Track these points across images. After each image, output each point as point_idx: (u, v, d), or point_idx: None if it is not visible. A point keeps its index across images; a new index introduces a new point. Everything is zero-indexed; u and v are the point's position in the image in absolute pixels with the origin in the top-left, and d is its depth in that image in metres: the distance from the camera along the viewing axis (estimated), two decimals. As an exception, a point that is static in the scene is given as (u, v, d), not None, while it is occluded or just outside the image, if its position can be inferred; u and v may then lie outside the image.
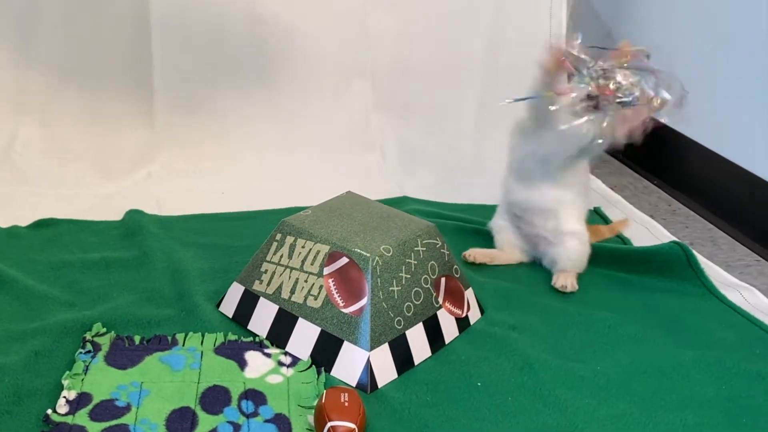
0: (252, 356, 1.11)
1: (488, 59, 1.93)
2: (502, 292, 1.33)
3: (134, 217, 1.50)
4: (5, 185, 1.60)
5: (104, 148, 1.75)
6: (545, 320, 1.26)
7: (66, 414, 0.97)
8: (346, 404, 0.96)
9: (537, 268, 1.41)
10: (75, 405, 0.98)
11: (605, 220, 1.65)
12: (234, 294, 1.22)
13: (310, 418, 0.99)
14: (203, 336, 1.15)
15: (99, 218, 1.51)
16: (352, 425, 0.94)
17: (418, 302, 1.15)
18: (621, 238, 1.55)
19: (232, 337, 1.15)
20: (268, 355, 1.11)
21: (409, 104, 1.91)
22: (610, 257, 1.43)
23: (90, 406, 0.98)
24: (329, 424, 0.94)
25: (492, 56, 1.92)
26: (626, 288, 1.37)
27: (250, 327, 1.18)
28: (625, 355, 1.17)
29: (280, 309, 1.16)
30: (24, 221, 1.46)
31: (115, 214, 1.52)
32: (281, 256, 1.18)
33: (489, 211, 1.58)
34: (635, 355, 1.18)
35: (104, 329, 1.14)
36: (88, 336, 1.12)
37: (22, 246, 1.39)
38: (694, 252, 1.42)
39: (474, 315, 1.25)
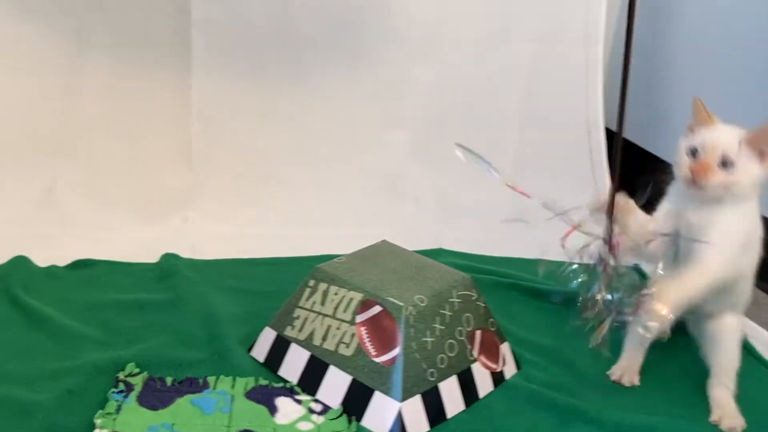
0: (283, 402, 1.10)
1: (525, 112, 1.94)
2: (540, 348, 1.31)
3: (170, 260, 1.52)
4: (45, 226, 1.63)
5: (142, 191, 1.78)
6: (583, 379, 1.23)
7: (97, 454, 0.97)
8: (377, 455, 0.95)
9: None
10: (106, 445, 0.98)
11: (643, 276, 1.61)
12: (266, 339, 1.21)
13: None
14: (234, 380, 1.14)
15: (135, 260, 1.52)
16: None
17: (452, 354, 1.14)
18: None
19: (263, 382, 1.14)
20: (299, 402, 1.10)
21: (446, 155, 1.91)
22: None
23: (121, 447, 0.98)
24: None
25: (529, 109, 1.94)
26: (664, 348, 1.34)
27: (281, 373, 1.17)
28: (664, 421, 1.13)
29: (311, 356, 1.15)
30: (62, 261, 1.48)
31: (151, 257, 1.53)
32: (314, 303, 1.18)
33: (526, 264, 1.57)
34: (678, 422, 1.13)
35: (137, 369, 1.14)
36: (121, 376, 1.12)
37: (59, 286, 1.41)
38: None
39: (510, 370, 1.22)
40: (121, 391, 1.09)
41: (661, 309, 1.00)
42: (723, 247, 1.07)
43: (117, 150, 1.81)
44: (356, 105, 1.87)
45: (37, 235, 1.58)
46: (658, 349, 1.24)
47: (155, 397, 1.08)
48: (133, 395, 1.08)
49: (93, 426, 1.01)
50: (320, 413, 1.09)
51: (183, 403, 1.08)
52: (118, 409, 1.05)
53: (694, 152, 1.06)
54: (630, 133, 2.18)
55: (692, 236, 1.08)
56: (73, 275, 1.45)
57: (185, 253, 1.55)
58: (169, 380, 1.13)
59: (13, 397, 1.07)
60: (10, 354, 1.18)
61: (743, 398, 1.17)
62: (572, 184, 1.96)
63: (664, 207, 1.15)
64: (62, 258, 1.49)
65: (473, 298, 1.20)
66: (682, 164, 1.08)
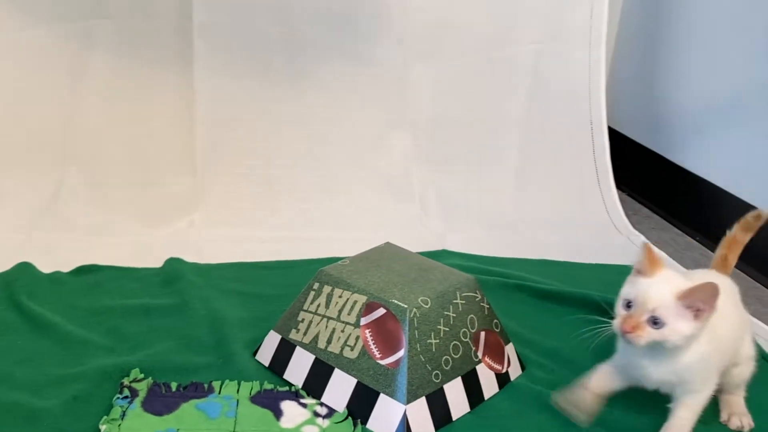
0: (288, 406, 1.10)
1: (528, 112, 1.95)
2: (545, 349, 1.30)
3: (174, 265, 1.52)
4: (50, 232, 1.63)
5: (147, 196, 1.78)
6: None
7: (102, 459, 0.97)
8: (383, 458, 0.95)
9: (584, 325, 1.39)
10: (111, 450, 0.98)
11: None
12: (271, 343, 1.21)
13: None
14: (239, 384, 1.14)
15: (140, 266, 1.52)
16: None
17: (457, 356, 1.14)
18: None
19: (268, 386, 1.14)
20: (304, 405, 1.10)
21: (450, 156, 1.92)
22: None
23: (126, 452, 0.98)
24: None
25: (532, 109, 1.94)
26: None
27: (286, 376, 1.17)
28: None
29: (316, 359, 1.15)
30: (66, 267, 1.48)
31: (156, 262, 1.53)
32: (318, 306, 1.18)
33: (529, 265, 1.56)
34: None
35: (142, 375, 1.14)
36: (126, 381, 1.12)
37: (64, 291, 1.41)
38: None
39: (515, 371, 1.22)
40: (126, 397, 1.09)
41: None
42: (703, 384, 1.04)
43: (121, 155, 1.81)
44: (358, 107, 1.88)
45: (40, 241, 1.58)
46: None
47: (160, 402, 1.08)
48: (137, 401, 1.08)
49: (98, 432, 1.01)
50: (325, 416, 1.09)
51: (188, 408, 1.08)
52: (123, 415, 1.05)
53: (628, 304, 1.00)
54: (636, 133, 2.19)
55: (662, 385, 1.05)
56: (77, 281, 1.45)
57: (190, 258, 1.55)
58: (174, 385, 1.13)
59: (19, 403, 1.07)
60: (16, 360, 1.18)
61: (753, 402, 1.16)
62: (576, 185, 1.97)
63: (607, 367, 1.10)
64: (66, 264, 1.49)
65: (477, 299, 1.20)
66: (617, 314, 1.01)
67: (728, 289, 1.14)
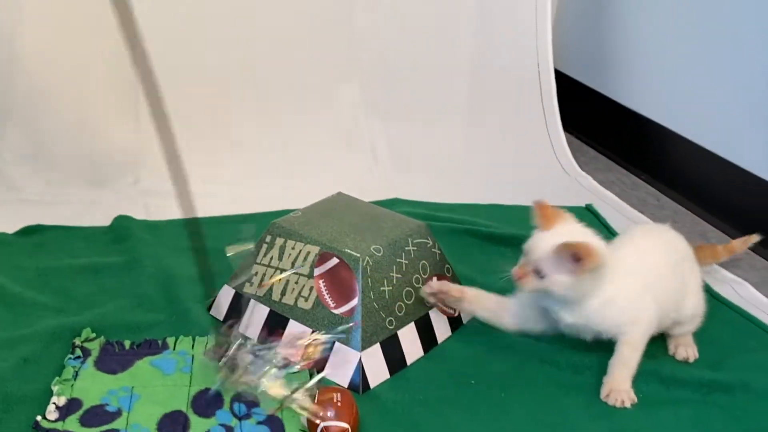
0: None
1: (476, 58, 1.94)
2: (496, 292, 1.32)
3: (122, 222, 1.49)
4: (-9, 193, 1.59)
5: (91, 153, 1.73)
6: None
7: (56, 420, 0.96)
8: (339, 404, 0.96)
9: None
10: (65, 411, 0.97)
11: (597, 217, 1.65)
12: (224, 297, 1.21)
13: (303, 420, 0.98)
14: (194, 339, 1.14)
15: (87, 224, 1.49)
16: (345, 425, 0.94)
17: (410, 302, 1.15)
18: (614, 234, 1.55)
19: (223, 340, 1.14)
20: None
21: (399, 105, 1.91)
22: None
23: (80, 412, 0.97)
24: (322, 425, 0.93)
25: (480, 55, 1.93)
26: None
27: (241, 330, 1.16)
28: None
29: (271, 311, 1.15)
30: (11, 228, 1.45)
31: (104, 220, 1.50)
32: (272, 258, 1.18)
33: (480, 210, 1.57)
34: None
35: (94, 335, 1.13)
36: (77, 341, 1.11)
37: (10, 252, 1.37)
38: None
39: (466, 315, 1.24)
40: (78, 357, 1.08)
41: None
42: (629, 325, 1.08)
43: (63, 111, 1.75)
44: (305, 57, 1.84)
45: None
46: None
47: (113, 360, 1.07)
48: (90, 360, 1.07)
49: (50, 393, 1.00)
50: (282, 367, 1.09)
51: (142, 365, 1.07)
52: (76, 375, 1.04)
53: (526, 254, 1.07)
54: (582, 75, 2.20)
55: (581, 330, 1.10)
56: (22, 242, 1.42)
57: (138, 215, 1.53)
58: (127, 344, 1.12)
59: (-33, 368, 1.05)
60: (-38, 324, 1.16)
61: (701, 334, 1.21)
62: (524, 128, 1.98)
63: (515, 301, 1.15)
64: (11, 224, 1.46)
65: (429, 245, 1.21)
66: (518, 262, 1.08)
67: (672, 246, 1.19)
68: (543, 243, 1.04)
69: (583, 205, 1.70)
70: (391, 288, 1.12)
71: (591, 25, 2.14)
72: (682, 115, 1.86)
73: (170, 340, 1.13)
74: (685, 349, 1.18)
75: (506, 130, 1.95)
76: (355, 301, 1.09)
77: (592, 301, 1.06)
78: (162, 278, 1.31)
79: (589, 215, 1.66)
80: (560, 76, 2.05)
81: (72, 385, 1.02)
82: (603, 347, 1.12)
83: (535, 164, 1.90)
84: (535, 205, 1.08)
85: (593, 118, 2.14)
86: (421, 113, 1.92)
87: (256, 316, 1.16)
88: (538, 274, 1.04)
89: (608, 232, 1.56)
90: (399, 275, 1.14)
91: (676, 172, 1.87)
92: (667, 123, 1.89)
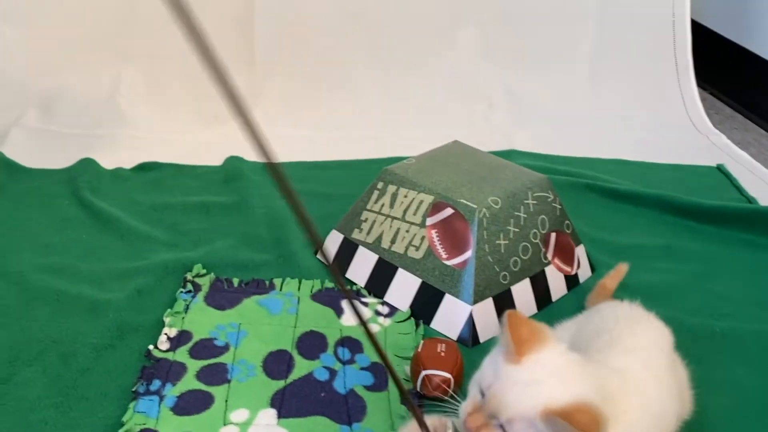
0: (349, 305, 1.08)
1: (604, 4, 1.82)
2: (615, 250, 1.25)
3: (234, 163, 1.49)
4: (110, 128, 1.62)
5: (206, 94, 1.74)
6: (660, 280, 1.17)
7: (167, 350, 0.97)
8: (443, 354, 0.93)
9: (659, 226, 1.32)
10: (176, 342, 0.99)
11: (729, 179, 1.53)
12: (333, 242, 1.19)
13: (407, 368, 0.96)
14: (300, 282, 1.12)
15: (200, 163, 1.50)
16: (448, 375, 0.90)
17: (526, 257, 1.09)
18: (747, 198, 1.43)
19: (329, 284, 1.12)
20: (366, 305, 1.08)
21: (518, 53, 1.83)
22: (736, 218, 1.32)
23: (190, 344, 0.99)
24: (424, 373, 0.91)
25: (605, 3, 1.81)
26: (754, 249, 1.27)
27: (348, 275, 1.15)
28: (747, 321, 1.08)
29: (379, 258, 1.12)
30: (128, 164, 1.48)
31: (216, 160, 1.51)
32: (382, 206, 1.14)
33: (601, 164, 1.49)
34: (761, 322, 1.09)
35: (204, 270, 1.14)
36: (188, 276, 1.12)
37: (126, 188, 1.40)
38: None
39: (584, 273, 1.17)
40: (189, 291, 1.09)
41: None
42: None
43: (179, 51, 1.76)
44: (423, 2, 1.78)
45: (101, 138, 1.57)
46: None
47: (223, 297, 1.08)
48: (200, 295, 1.08)
49: (162, 324, 1.02)
50: (387, 316, 1.06)
51: (250, 303, 1.07)
52: (187, 309, 1.05)
53: (483, 392, 0.73)
54: (720, 26, 2.04)
55: None
56: (139, 177, 1.45)
57: (250, 156, 1.53)
58: (236, 281, 1.12)
59: (84, 295, 1.08)
60: (80, 254, 1.19)
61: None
62: (654, 81, 1.86)
63: None
64: (128, 160, 1.49)
65: (549, 199, 1.14)
66: (468, 394, 0.76)
67: (661, 342, 0.88)
68: (515, 393, 0.70)
69: (714, 164, 1.59)
70: (507, 242, 1.07)
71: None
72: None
73: (277, 281, 1.12)
74: None
75: (633, 82, 1.83)
76: (468, 254, 1.04)
77: None
78: (270, 220, 1.30)
79: (719, 175, 1.54)
80: (696, 26, 1.91)
81: (183, 318, 1.03)
82: (740, 308, 1.03)
83: (663, 120, 1.78)
84: (508, 317, 0.73)
85: (731, 73, 1.99)
86: (541, 61, 1.83)
87: (363, 262, 1.13)
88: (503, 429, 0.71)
89: (740, 195, 1.45)
90: (516, 229, 1.08)
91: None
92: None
